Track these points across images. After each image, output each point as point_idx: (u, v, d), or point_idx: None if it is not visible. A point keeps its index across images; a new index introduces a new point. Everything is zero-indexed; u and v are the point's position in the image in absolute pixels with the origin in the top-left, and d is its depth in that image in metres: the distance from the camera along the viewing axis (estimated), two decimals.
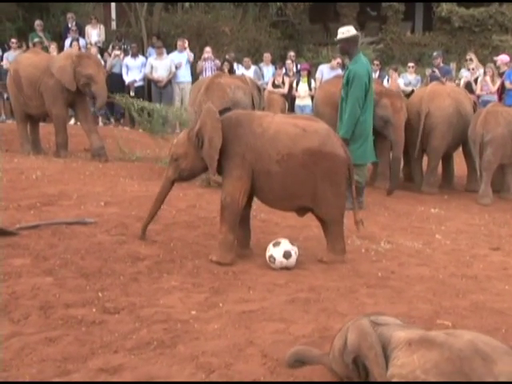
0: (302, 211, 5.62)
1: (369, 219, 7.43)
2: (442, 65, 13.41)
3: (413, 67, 13.55)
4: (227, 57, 13.95)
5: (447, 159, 10.05)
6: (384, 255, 5.96)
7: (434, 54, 13.85)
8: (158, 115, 10.27)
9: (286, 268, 5.29)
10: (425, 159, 9.84)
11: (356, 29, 8.04)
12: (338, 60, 13.34)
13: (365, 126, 7.72)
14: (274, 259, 5.29)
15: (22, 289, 4.46)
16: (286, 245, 5.30)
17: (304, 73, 13.55)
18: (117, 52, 14.51)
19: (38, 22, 15.58)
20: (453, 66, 13.74)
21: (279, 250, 5.28)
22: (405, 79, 13.36)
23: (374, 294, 4.86)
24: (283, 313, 4.37)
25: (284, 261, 5.27)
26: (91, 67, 9.77)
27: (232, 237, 5.36)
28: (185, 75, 14.14)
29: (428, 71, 13.43)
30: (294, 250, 5.31)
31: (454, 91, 9.89)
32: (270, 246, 5.33)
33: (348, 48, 7.70)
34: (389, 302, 4.74)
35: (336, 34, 7.78)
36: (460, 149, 9.98)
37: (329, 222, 5.56)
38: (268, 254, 5.32)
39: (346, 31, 7.64)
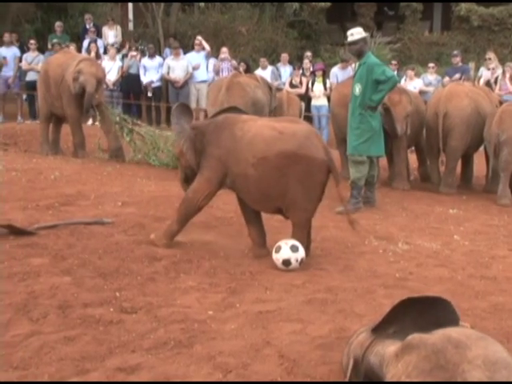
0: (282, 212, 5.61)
1: (386, 220, 7.42)
2: (460, 64, 13.36)
3: (433, 67, 13.51)
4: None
5: (466, 159, 10.00)
6: (402, 256, 5.94)
7: (454, 52, 13.79)
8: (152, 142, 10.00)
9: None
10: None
11: (369, 29, 8.15)
12: (346, 59, 13.37)
13: (373, 121, 7.80)
14: (276, 264, 5.30)
15: (41, 288, 4.50)
16: (285, 252, 5.25)
17: (319, 73, 13.55)
18: (133, 53, 14.57)
19: (58, 24, 15.70)
20: (471, 65, 13.67)
21: (278, 258, 5.27)
22: (425, 80, 13.30)
23: (392, 295, 4.83)
24: (300, 313, 4.37)
25: (285, 268, 5.26)
26: (84, 63, 9.87)
27: (177, 228, 5.59)
28: (201, 75, 14.15)
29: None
30: (294, 257, 5.24)
31: (473, 91, 9.83)
32: (273, 250, 5.34)
33: (359, 49, 7.82)
34: None
35: None
36: (481, 149, 9.93)
37: (294, 224, 5.51)
38: (273, 257, 5.34)
39: (356, 33, 7.80)
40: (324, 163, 5.38)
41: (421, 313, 3.23)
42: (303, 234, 5.52)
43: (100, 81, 10.02)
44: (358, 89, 7.80)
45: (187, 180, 5.72)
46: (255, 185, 5.36)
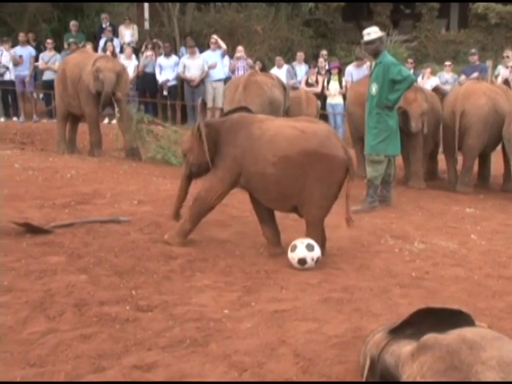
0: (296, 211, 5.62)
1: (402, 219, 7.39)
2: (478, 62, 13.27)
3: (450, 66, 13.43)
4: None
5: (484, 158, 9.94)
6: (418, 255, 5.92)
7: (472, 51, 13.71)
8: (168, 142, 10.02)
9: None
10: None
11: (385, 27, 8.13)
12: (361, 57, 13.31)
13: (390, 120, 7.78)
14: (292, 263, 5.31)
15: (58, 286, 4.52)
16: (300, 251, 5.25)
17: (334, 71, 13.53)
18: (148, 53, 14.60)
19: (72, 23, 15.79)
20: (489, 63, 13.56)
21: (294, 257, 5.27)
22: (441, 78, 13.24)
23: (408, 295, 4.83)
24: (316, 312, 4.37)
25: (300, 267, 5.26)
26: (100, 61, 9.91)
27: (189, 227, 5.61)
28: (218, 74, 14.16)
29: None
30: (309, 257, 5.24)
31: (490, 89, 9.76)
32: (289, 249, 5.34)
33: (376, 48, 7.80)
34: (423, 302, 4.67)
35: None
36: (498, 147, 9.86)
37: (308, 222, 5.50)
38: (288, 256, 5.34)
39: (373, 32, 7.78)
40: (344, 162, 5.40)
41: (439, 320, 3.22)
42: (318, 232, 5.52)
43: (119, 74, 10.01)
44: (374, 88, 7.79)
45: (190, 177, 5.76)
46: (274, 183, 5.34)
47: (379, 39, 7.78)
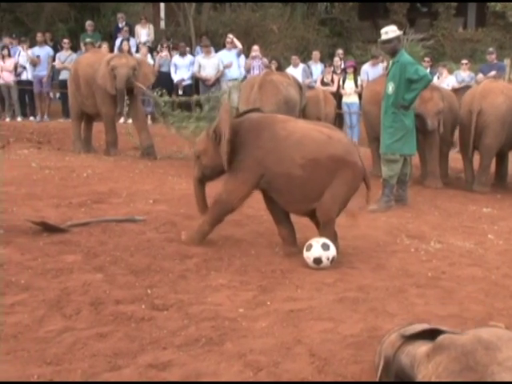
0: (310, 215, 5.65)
1: (418, 218, 7.36)
2: (495, 61, 13.18)
3: (466, 64, 13.35)
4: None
5: (501, 157, 9.88)
6: (434, 255, 5.89)
7: (490, 49, 13.62)
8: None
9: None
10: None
11: (402, 26, 8.09)
12: (376, 55, 13.27)
13: (406, 119, 7.75)
14: (307, 263, 5.30)
15: (74, 285, 4.55)
16: (316, 250, 5.25)
17: (350, 70, 13.50)
18: (162, 54, 14.62)
19: (88, 23, 15.87)
20: (507, 62, 13.47)
21: (309, 256, 5.27)
22: (458, 77, 13.16)
23: (424, 295, 4.81)
24: (331, 312, 4.36)
25: (316, 266, 5.26)
26: (114, 60, 9.94)
27: (208, 229, 5.55)
28: (233, 73, 14.16)
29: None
30: (325, 256, 5.24)
31: (508, 88, 9.69)
32: (304, 248, 5.34)
33: (393, 47, 7.77)
34: (439, 302, 4.68)
35: None
36: None
37: (324, 223, 5.52)
38: (304, 255, 5.34)
39: (391, 31, 7.75)
40: (363, 171, 5.56)
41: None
42: (331, 232, 5.56)
43: (134, 69, 10.02)
44: (391, 88, 7.76)
45: (203, 181, 5.63)
46: (300, 185, 5.33)
47: (397, 38, 7.75)
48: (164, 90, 10.88)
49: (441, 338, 3.05)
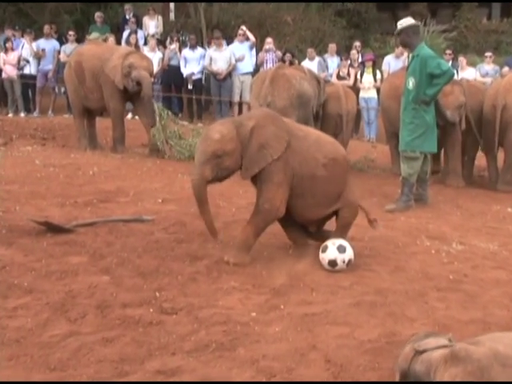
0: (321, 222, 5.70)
1: (439, 218, 7.34)
2: None
3: (490, 57, 13.25)
4: None
5: None
6: (456, 257, 5.87)
7: None
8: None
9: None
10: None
11: (422, 17, 8.03)
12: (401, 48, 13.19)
13: (427, 115, 7.71)
14: (322, 264, 5.30)
15: (79, 287, 4.57)
16: (331, 252, 5.25)
17: (368, 63, 13.47)
18: (171, 47, 14.63)
19: (98, 14, 15.85)
20: None
21: (324, 258, 5.27)
22: (482, 70, 13.06)
23: (445, 298, 4.79)
24: (347, 316, 4.36)
25: (331, 268, 5.25)
26: (134, 57, 9.96)
27: (253, 241, 5.37)
28: (246, 67, 14.15)
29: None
30: (340, 258, 5.23)
31: None
32: (320, 249, 5.34)
33: (408, 39, 7.73)
34: (461, 306, 4.66)
35: None
36: None
37: (345, 224, 5.65)
38: (319, 256, 5.34)
39: (404, 22, 7.69)
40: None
41: None
42: (347, 233, 5.65)
43: (151, 74, 10.15)
44: (411, 83, 7.71)
45: (211, 181, 5.29)
46: (323, 187, 5.40)
47: (411, 29, 7.65)
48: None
49: (457, 348, 3.07)
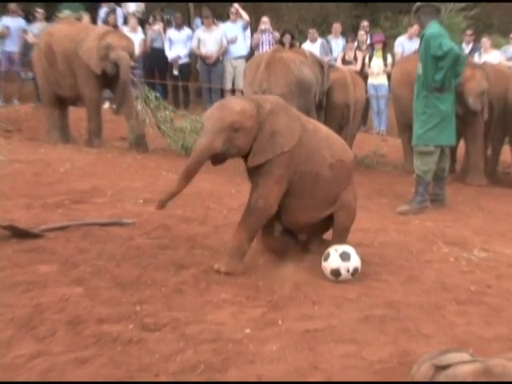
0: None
1: (459, 222, 7.35)
2: None
3: None
4: None
5: None
6: (478, 265, 5.87)
7: None
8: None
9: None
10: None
11: None
12: (416, 27, 13.18)
13: (441, 104, 7.69)
14: (325, 274, 5.32)
15: (48, 300, 4.54)
16: (333, 260, 5.26)
17: (378, 46, 13.49)
18: (155, 27, 14.60)
19: None
20: None
21: (326, 268, 5.28)
22: (508, 52, 13.07)
23: (466, 313, 4.79)
24: (354, 333, 4.35)
25: (334, 278, 5.26)
26: (112, 37, 9.94)
27: (247, 247, 5.35)
28: (239, 50, 14.15)
29: None
30: (344, 267, 5.24)
31: None
32: (322, 257, 5.35)
33: (423, 18, 7.74)
34: (484, 322, 4.66)
35: None
36: None
37: (343, 229, 5.68)
38: (322, 265, 5.34)
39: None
40: None
41: None
42: (347, 236, 5.69)
43: (132, 56, 10.12)
44: (420, 67, 7.75)
45: (213, 158, 5.22)
46: (324, 188, 5.45)
47: (427, 7, 7.69)
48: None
49: (492, 363, 3.07)
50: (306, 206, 5.47)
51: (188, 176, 5.13)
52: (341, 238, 5.61)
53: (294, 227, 5.67)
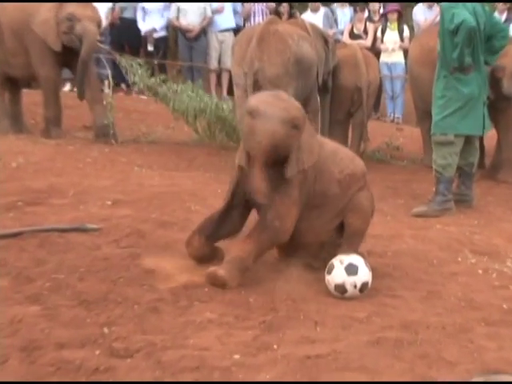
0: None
1: (489, 227, 7.37)
2: None
3: None
4: None
5: None
6: (511, 279, 5.89)
7: None
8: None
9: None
10: None
11: None
12: None
13: (464, 87, 7.69)
14: (329, 290, 5.37)
15: None
16: (338, 274, 5.29)
17: (393, 16, 13.50)
18: None
19: None
20: None
21: (330, 282, 5.33)
22: None
23: (497, 335, 4.81)
24: (364, 359, 4.36)
25: (339, 295, 5.31)
26: (72, 6, 9.91)
27: (251, 263, 5.42)
28: (226, 21, 14.13)
29: None
30: (350, 282, 5.27)
31: None
32: (326, 270, 5.39)
33: None
34: None
35: None
36: None
37: (354, 233, 5.82)
38: (325, 278, 5.39)
39: None
40: None
41: None
42: (360, 244, 5.80)
43: (99, 28, 10.13)
44: (439, 43, 7.78)
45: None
46: (333, 205, 5.65)
47: None
48: None
49: None
50: (312, 227, 5.64)
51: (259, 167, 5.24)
52: (351, 245, 5.68)
53: (294, 250, 5.73)
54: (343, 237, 5.76)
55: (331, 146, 5.84)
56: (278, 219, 5.38)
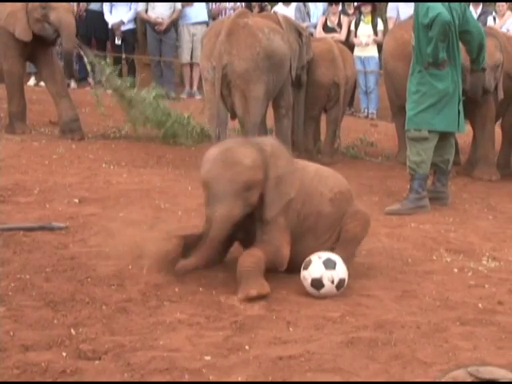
0: None
1: (464, 225, 7.40)
2: None
3: None
4: None
5: None
6: (487, 278, 5.93)
7: None
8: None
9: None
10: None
11: None
12: None
13: (438, 82, 7.73)
14: (305, 287, 5.38)
15: None
16: (316, 268, 5.31)
17: (367, 9, 13.50)
18: None
19: None
20: None
21: (307, 278, 5.33)
22: None
23: (473, 335, 4.84)
24: (338, 360, 4.37)
25: (315, 292, 5.32)
26: None
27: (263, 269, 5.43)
28: (198, 14, 14.10)
29: None
30: (327, 277, 5.29)
31: None
32: (302, 266, 5.40)
33: None
34: (494, 346, 4.71)
35: None
36: None
37: (354, 237, 5.90)
38: (300, 275, 5.40)
39: None
40: None
41: None
42: (353, 252, 5.87)
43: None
44: (413, 37, 7.82)
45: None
46: (328, 224, 5.77)
47: None
48: None
49: None
50: (309, 247, 5.66)
51: (211, 248, 5.36)
52: (345, 250, 5.71)
53: (290, 267, 5.71)
54: (338, 242, 5.78)
55: (314, 168, 5.99)
56: (272, 254, 5.43)
